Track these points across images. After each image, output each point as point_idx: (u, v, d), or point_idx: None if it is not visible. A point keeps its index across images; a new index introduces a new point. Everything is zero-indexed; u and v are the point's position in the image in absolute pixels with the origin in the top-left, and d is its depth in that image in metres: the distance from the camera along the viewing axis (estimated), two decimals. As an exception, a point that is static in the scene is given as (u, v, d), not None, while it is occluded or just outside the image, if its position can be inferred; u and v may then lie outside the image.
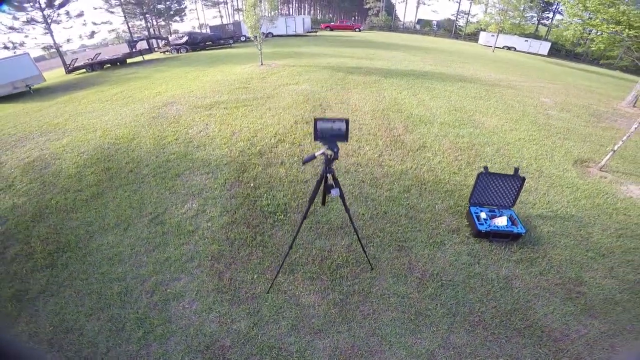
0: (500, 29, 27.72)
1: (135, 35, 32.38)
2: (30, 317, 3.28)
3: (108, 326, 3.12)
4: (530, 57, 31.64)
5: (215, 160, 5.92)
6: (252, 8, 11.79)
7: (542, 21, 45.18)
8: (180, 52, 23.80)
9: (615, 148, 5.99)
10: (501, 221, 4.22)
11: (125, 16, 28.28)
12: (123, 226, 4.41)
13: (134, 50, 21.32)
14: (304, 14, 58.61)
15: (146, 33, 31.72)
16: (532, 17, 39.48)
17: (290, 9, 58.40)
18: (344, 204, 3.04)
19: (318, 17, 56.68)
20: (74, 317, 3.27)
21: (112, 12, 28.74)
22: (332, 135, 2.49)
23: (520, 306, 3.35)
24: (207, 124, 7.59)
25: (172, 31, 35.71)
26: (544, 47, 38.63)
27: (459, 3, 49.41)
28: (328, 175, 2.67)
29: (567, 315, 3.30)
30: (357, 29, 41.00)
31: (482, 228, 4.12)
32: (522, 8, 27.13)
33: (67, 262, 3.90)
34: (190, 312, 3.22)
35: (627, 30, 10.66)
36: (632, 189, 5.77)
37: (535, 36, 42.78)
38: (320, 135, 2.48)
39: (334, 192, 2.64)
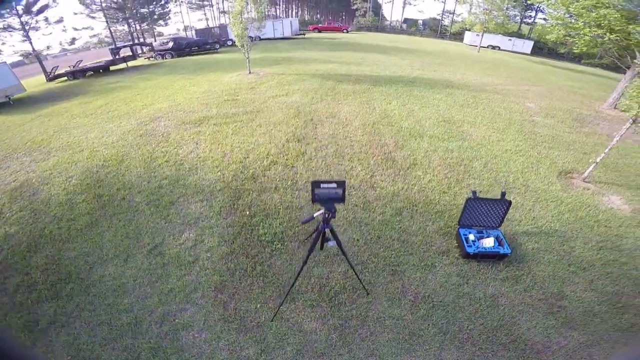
0: (485, 28, 28.11)
1: (119, 40, 31.60)
2: (46, 347, 3.40)
3: (124, 356, 3.26)
4: (514, 57, 32.26)
5: (208, 186, 5.84)
6: (238, 16, 11.59)
7: (525, 20, 46.03)
8: (166, 58, 23.32)
9: (598, 160, 6.16)
10: (488, 242, 4.39)
11: (107, 21, 27.51)
12: (122, 257, 4.44)
13: (117, 57, 20.75)
14: (292, 15, 58.26)
15: (130, 38, 30.99)
16: (515, 16, 40.14)
17: (278, 10, 57.97)
18: (343, 253, 3.25)
19: (306, 18, 56.47)
20: (89, 347, 3.37)
21: (93, 18, 27.99)
22: (329, 198, 2.52)
23: (506, 322, 3.58)
24: (197, 143, 7.45)
25: (156, 35, 35.02)
26: (527, 45, 39.44)
27: (444, 3, 49.99)
28: (326, 229, 2.72)
29: (549, 329, 3.52)
30: (344, 30, 40.97)
31: (471, 250, 4.29)
32: (505, 7, 27.54)
33: (71, 293, 3.98)
34: (201, 341, 3.37)
35: (608, 34, 10.93)
36: (614, 199, 6.00)
37: (519, 35, 43.57)
38: (317, 198, 2.51)
39: (331, 244, 2.73)
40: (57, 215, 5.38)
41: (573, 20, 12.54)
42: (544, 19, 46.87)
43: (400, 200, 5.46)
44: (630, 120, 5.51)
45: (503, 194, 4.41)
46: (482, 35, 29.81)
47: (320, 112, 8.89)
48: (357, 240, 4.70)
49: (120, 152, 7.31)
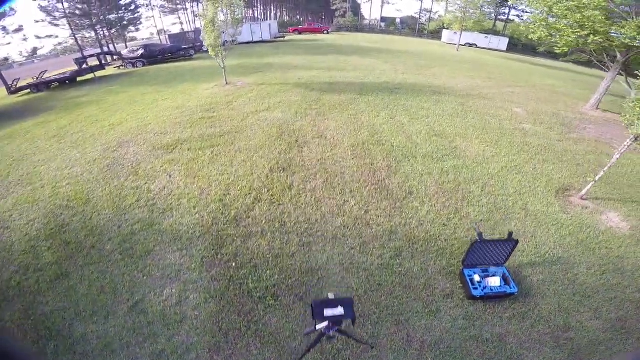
0: (464, 27, 28.22)
1: (89, 48, 29.71)
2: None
3: None
4: (492, 55, 32.70)
5: (187, 232, 5.15)
6: (211, 24, 10.75)
7: (499, 17, 46.94)
8: (137, 67, 21.94)
9: (597, 178, 5.88)
10: (494, 281, 4.14)
11: (72, 29, 25.68)
12: (102, 314, 4.03)
13: (82, 67, 19.25)
14: (270, 17, 57.07)
15: (98, 46, 29.18)
16: (490, 13, 40.79)
17: (256, 12, 56.59)
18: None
19: (285, 20, 55.43)
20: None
21: (56, 25, 26.08)
22: (335, 319, 2.01)
23: (514, 361, 3.41)
24: (170, 176, 6.66)
25: (127, 41, 33.20)
26: (503, 42, 40.17)
27: (422, 1, 50.28)
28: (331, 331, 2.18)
29: (557, 363, 3.38)
30: (325, 32, 40.40)
31: (477, 293, 4.04)
32: (480, 4, 27.72)
33: (56, 351, 3.65)
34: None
35: (592, 36, 10.86)
36: (612, 217, 5.83)
37: (494, 32, 44.37)
38: (321, 318, 2.02)
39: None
40: (22, 264, 4.81)
41: (554, 21, 12.44)
42: (519, 16, 48.23)
43: (398, 238, 4.97)
44: (632, 137, 5.22)
45: (510, 234, 4.14)
46: (461, 34, 29.94)
47: (306, 130, 8.27)
48: (357, 289, 4.20)
49: (86, 188, 6.47)
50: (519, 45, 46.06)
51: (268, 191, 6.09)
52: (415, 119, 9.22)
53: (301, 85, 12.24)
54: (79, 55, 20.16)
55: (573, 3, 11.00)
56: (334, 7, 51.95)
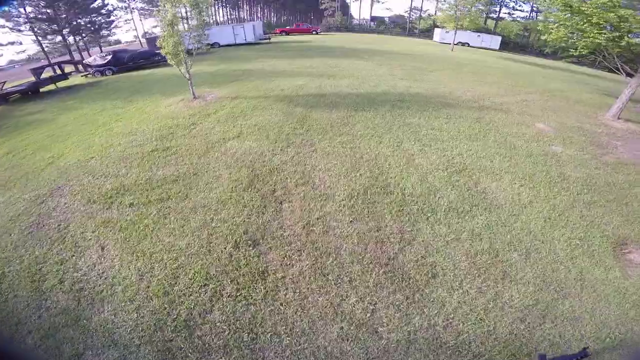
0: (459, 26, 26.16)
1: (57, 55, 26.72)
2: None
3: None
4: (487, 54, 30.76)
5: (122, 336, 3.38)
6: (170, 27, 8.35)
7: (490, 15, 45.09)
8: (106, 75, 19.26)
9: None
10: None
11: (36, 35, 22.65)
12: None
13: (40, 78, 16.57)
14: (257, 18, 54.08)
15: (70, 51, 26.17)
16: (482, 11, 38.88)
17: (242, 13, 53.55)
18: None
19: (273, 21, 52.63)
20: None
21: (20, 31, 23.00)
22: None
23: None
24: (102, 247, 4.53)
25: (110, 45, 30.21)
26: (495, 41, 38.38)
27: (412, 0, 48.08)
28: None
29: None
30: (314, 32, 37.94)
31: None
32: (477, 5, 25.71)
33: None
34: None
35: (627, 37, 8.87)
36: None
37: (486, 30, 42.56)
38: None
39: None
40: None
41: (577, 19, 10.41)
42: (509, 14, 46.48)
43: (418, 349, 2.89)
44: None
45: (584, 351, 2.47)
46: (456, 33, 27.89)
47: (287, 172, 5.95)
48: None
49: (1, 257, 4.49)
50: (510, 44, 44.54)
51: (232, 281, 3.91)
52: (426, 145, 7.01)
53: (284, 99, 9.90)
54: (29, 69, 17.33)
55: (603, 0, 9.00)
56: (322, 7, 49.36)
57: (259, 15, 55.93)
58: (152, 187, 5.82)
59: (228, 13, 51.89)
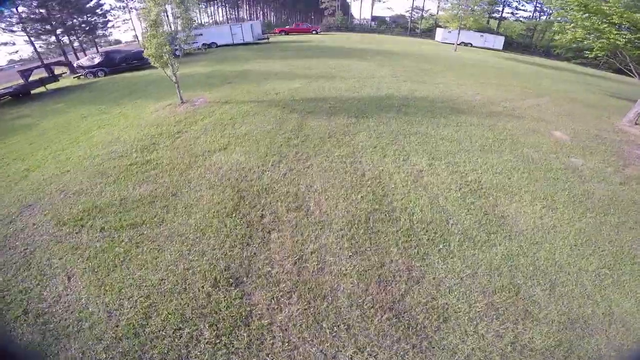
0: (463, 26, 25.19)
1: (52, 55, 25.89)
2: None
3: None
4: (491, 55, 29.78)
5: None
6: (153, 27, 7.52)
7: (492, 14, 43.97)
8: (98, 76, 18.45)
9: None
10: None
11: (28, 36, 21.80)
12: None
13: (28, 80, 15.77)
14: (256, 17, 53.05)
15: (65, 52, 25.34)
16: (485, 10, 37.83)
17: (242, 12, 52.54)
18: None
19: (272, 21, 51.63)
20: None
21: (12, 32, 22.16)
22: None
23: None
24: (69, 278, 3.92)
25: (110, 45, 29.37)
26: (499, 41, 37.29)
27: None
28: None
29: None
30: (314, 32, 36.98)
31: None
32: (480, 4, 24.73)
33: None
34: None
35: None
36: None
37: (488, 30, 41.53)
38: None
39: None
40: None
41: (595, 20, 9.53)
42: (512, 13, 45.37)
43: None
44: None
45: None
46: (459, 33, 26.92)
47: (278, 193, 5.11)
48: None
49: None
50: (513, 44, 43.46)
51: (211, 326, 3.18)
52: (436, 159, 6.15)
53: (279, 103, 9.05)
54: (17, 70, 16.60)
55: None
56: (322, 6, 48.32)
57: (258, 15, 54.94)
58: (126, 209, 5.06)
59: (227, 13, 50.97)
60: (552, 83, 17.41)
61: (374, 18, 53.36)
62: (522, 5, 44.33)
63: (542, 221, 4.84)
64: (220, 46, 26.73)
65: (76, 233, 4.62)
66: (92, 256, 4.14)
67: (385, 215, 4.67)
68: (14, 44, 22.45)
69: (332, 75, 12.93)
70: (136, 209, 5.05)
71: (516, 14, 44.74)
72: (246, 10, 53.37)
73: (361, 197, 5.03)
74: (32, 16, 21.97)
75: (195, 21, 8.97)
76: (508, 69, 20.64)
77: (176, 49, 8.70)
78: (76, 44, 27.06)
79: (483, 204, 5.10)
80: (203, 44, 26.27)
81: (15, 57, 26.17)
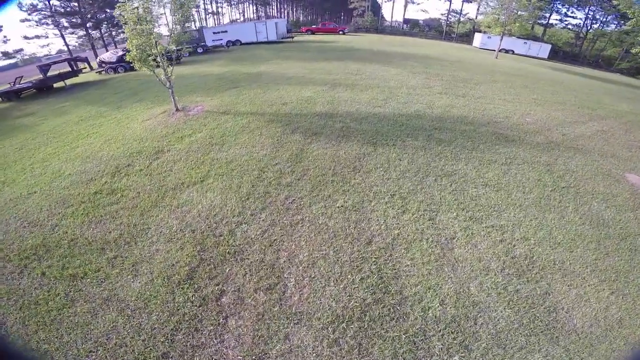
0: (507, 31, 22.31)
1: (80, 49, 26.24)
2: None
3: None
4: (538, 64, 26.52)
5: None
6: (135, 24, 6.28)
7: (539, 21, 39.67)
8: (119, 72, 18.06)
9: None
10: None
11: (59, 29, 21.95)
12: None
13: (47, 75, 15.56)
14: (285, 15, 51.92)
15: (94, 46, 25.52)
16: (532, 16, 34.08)
17: (271, 10, 51.65)
18: None
19: (301, 19, 50.29)
20: None
21: (46, 24, 22.45)
22: None
23: None
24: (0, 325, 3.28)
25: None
26: (544, 49, 33.46)
27: (450, 2, 43.56)
28: None
29: None
30: (341, 32, 35.14)
31: None
32: (531, 8, 21.75)
33: None
34: None
35: None
36: None
37: (534, 37, 37.56)
38: None
39: None
40: None
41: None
42: (561, 20, 40.77)
43: None
44: None
45: None
46: (501, 39, 24.02)
47: (249, 261, 3.66)
48: None
49: None
50: (559, 53, 39.03)
51: None
52: (475, 219, 4.38)
53: (282, 118, 7.55)
54: (37, 65, 16.48)
55: None
56: (351, 6, 46.14)
57: (287, 13, 53.81)
58: (72, 254, 4.11)
59: (257, 11, 50.31)
60: (614, 100, 14.56)
61: (406, 20, 50.42)
62: (572, 12, 39.56)
63: (607, 314, 3.36)
64: (244, 44, 25.80)
65: (18, 274, 3.91)
66: (25, 306, 3.44)
67: (390, 309, 3.15)
68: (47, 36, 22.72)
69: (352, 83, 11.25)
70: (83, 255, 4.06)
71: (565, 20, 40.14)
72: (276, 8, 52.43)
73: (361, 278, 3.45)
74: (64, 9, 22.03)
75: (191, 15, 7.69)
76: (558, 81, 17.80)
77: (169, 53, 7.49)
78: (107, 38, 27.19)
79: (531, 293, 3.48)
80: (228, 41, 25.52)
81: (45, 50, 26.74)
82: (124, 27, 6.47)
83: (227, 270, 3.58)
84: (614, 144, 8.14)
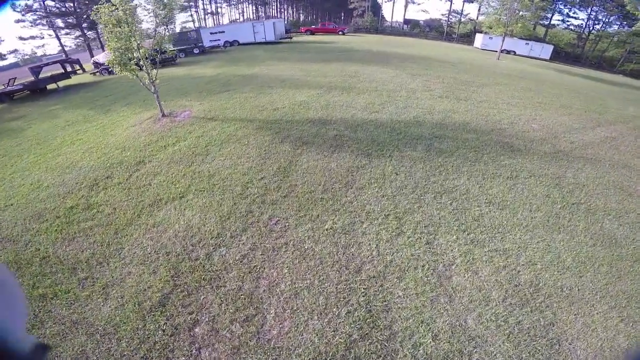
0: (509, 31, 21.84)
1: (76, 50, 25.88)
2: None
3: None
4: (539, 65, 26.06)
5: None
6: (115, 26, 5.89)
7: (540, 22, 39.12)
8: (113, 74, 17.69)
9: None
10: None
11: (54, 30, 21.61)
12: None
13: (39, 77, 15.23)
14: (285, 16, 51.49)
15: (90, 47, 25.18)
16: (534, 16, 33.59)
17: (270, 10, 51.22)
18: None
19: (301, 19, 49.84)
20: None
21: (42, 25, 22.13)
22: None
23: None
24: None
25: None
26: (546, 50, 32.91)
27: (451, 2, 43.04)
28: None
29: None
30: (340, 32, 34.69)
31: None
32: (534, 8, 21.26)
33: None
34: None
35: None
36: None
37: (536, 38, 37.07)
38: None
39: None
40: None
41: None
42: (563, 20, 40.21)
43: None
44: None
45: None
46: (503, 40, 23.55)
47: (225, 290, 3.28)
48: None
49: None
50: (561, 54, 38.47)
51: None
52: (477, 242, 3.96)
53: (272, 126, 7.13)
54: (28, 67, 16.13)
55: None
56: (351, 6, 45.65)
57: (287, 13, 53.39)
58: (43, 273, 3.82)
59: (256, 11, 49.91)
60: (620, 104, 14.09)
61: (406, 21, 49.91)
62: (574, 13, 39.04)
63: (613, 343, 3.02)
64: (242, 44, 25.43)
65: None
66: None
67: (377, 346, 2.79)
68: (42, 37, 22.38)
69: (349, 86, 10.83)
70: (53, 274, 3.78)
71: (567, 21, 39.60)
72: (276, 8, 52.02)
73: (347, 312, 3.05)
74: (59, 9, 21.67)
75: (174, 15, 7.27)
76: (562, 83, 17.35)
77: (153, 57, 7.09)
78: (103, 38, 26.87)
79: (534, 324, 3.10)
80: (225, 42, 25.18)
81: (41, 51, 26.40)
82: (102, 29, 6.10)
83: (201, 298, 3.20)
84: (625, 152, 7.70)
